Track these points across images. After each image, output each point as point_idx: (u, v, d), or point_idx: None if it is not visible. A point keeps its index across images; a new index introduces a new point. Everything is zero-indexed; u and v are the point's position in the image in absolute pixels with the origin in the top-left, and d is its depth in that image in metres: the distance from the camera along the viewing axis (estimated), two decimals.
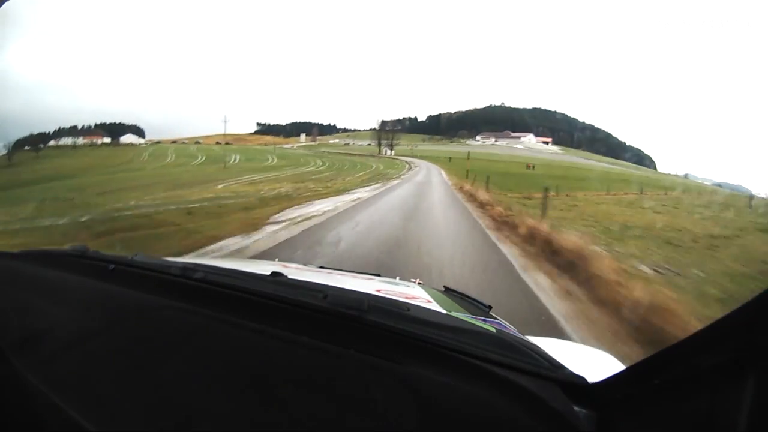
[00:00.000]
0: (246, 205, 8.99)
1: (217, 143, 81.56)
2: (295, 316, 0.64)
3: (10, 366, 0.56)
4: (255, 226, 6.30)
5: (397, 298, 0.83)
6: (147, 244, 5.02)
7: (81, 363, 0.57)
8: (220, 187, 17.50)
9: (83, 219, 7.22)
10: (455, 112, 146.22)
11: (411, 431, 0.44)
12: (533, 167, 45.64)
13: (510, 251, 5.29)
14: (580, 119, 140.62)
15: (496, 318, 1.06)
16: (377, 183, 18.45)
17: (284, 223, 6.65)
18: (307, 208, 8.68)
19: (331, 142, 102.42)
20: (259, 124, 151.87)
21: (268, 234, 5.78)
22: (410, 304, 0.76)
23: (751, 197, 18.84)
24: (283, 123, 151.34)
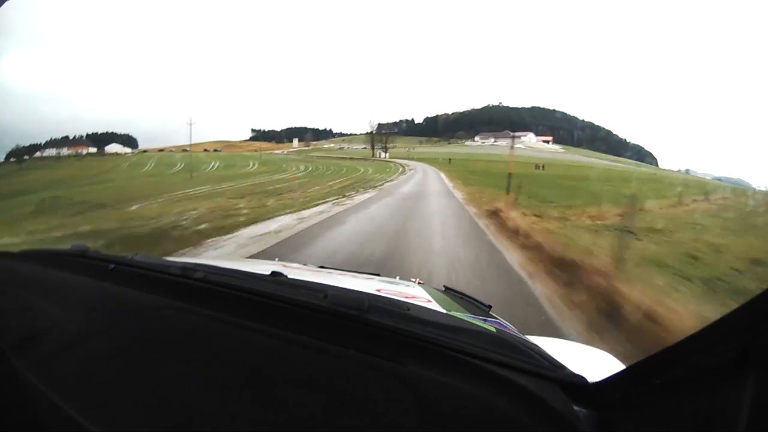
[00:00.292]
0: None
1: (205, 150, 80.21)
2: (295, 315, 0.64)
3: (10, 366, 0.56)
4: None
5: (397, 298, 0.84)
6: None
7: (81, 363, 0.57)
8: (141, 206, 12.86)
9: None
10: (452, 113, 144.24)
11: (411, 431, 0.44)
12: (543, 167, 41.63)
13: None
14: (580, 117, 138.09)
15: (496, 318, 1.06)
16: (351, 193, 13.58)
17: None
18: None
19: (326, 146, 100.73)
20: (254, 131, 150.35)
21: None
22: (410, 303, 0.76)
23: None
24: (279, 129, 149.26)
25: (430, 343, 0.57)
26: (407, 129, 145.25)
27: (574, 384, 0.54)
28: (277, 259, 1.79)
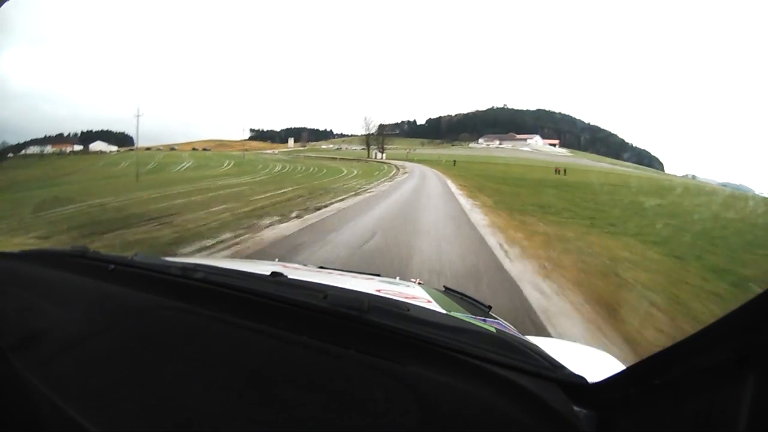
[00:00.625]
0: None
1: (194, 149, 77.54)
2: (295, 316, 0.64)
3: (10, 366, 0.56)
4: None
5: (397, 298, 0.84)
6: None
7: (81, 363, 0.57)
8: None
9: None
10: (456, 115, 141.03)
11: (411, 431, 0.44)
12: (564, 172, 35.85)
13: None
14: (585, 120, 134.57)
15: (495, 318, 1.06)
16: (293, 213, 7.89)
17: None
18: None
19: (324, 147, 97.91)
20: (252, 130, 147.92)
21: None
22: (410, 304, 0.76)
23: None
24: (278, 129, 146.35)
25: (430, 344, 0.57)
26: (409, 130, 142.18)
27: (574, 384, 0.54)
28: (277, 259, 1.83)
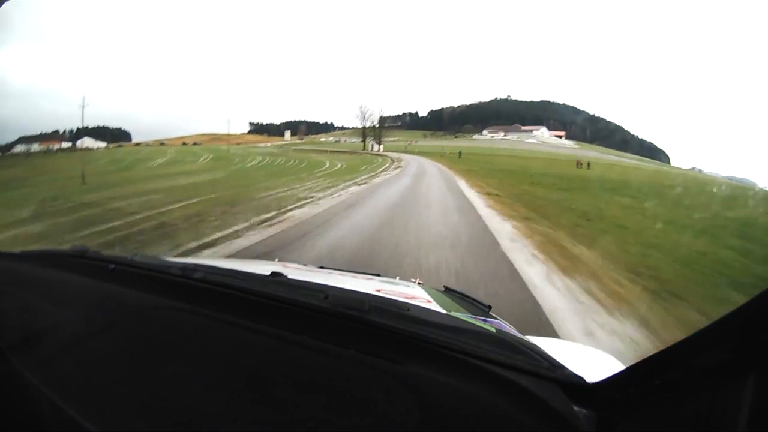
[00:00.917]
0: None
1: (184, 144, 75.51)
2: (296, 316, 0.64)
3: (10, 366, 0.56)
4: None
5: (397, 298, 0.84)
6: None
7: (81, 363, 0.57)
8: None
9: None
10: (459, 106, 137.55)
11: (411, 431, 0.44)
12: (588, 165, 31.84)
13: None
14: (591, 112, 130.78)
15: (495, 318, 1.06)
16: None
17: None
18: None
19: (322, 140, 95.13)
20: (252, 124, 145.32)
21: None
22: (410, 304, 0.77)
23: None
24: (278, 122, 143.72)
25: (431, 344, 0.57)
26: (411, 122, 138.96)
27: (573, 384, 0.54)
28: (277, 259, 1.87)
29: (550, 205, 9.17)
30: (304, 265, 1.58)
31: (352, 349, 0.56)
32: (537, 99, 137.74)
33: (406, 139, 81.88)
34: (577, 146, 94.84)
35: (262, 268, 1.05)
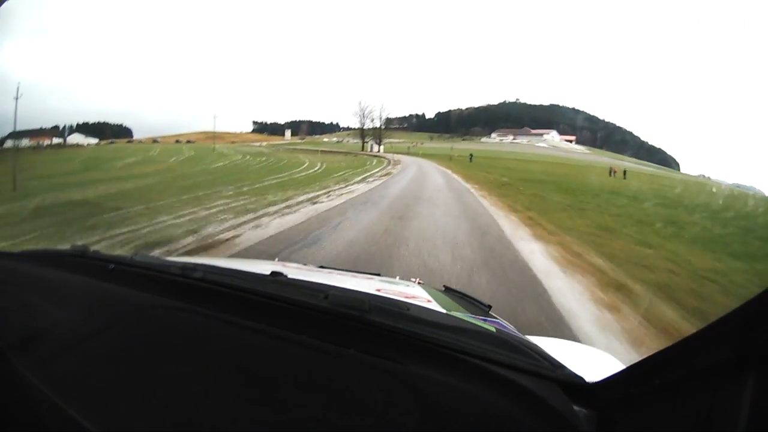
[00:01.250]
0: None
1: (177, 141, 74.14)
2: (296, 315, 0.64)
3: (10, 366, 0.56)
4: None
5: (398, 298, 0.84)
6: None
7: (81, 363, 0.57)
8: None
9: None
10: (466, 109, 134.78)
11: (411, 431, 0.44)
12: (624, 174, 27.58)
13: None
14: (600, 117, 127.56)
15: (495, 318, 1.06)
16: None
17: None
18: None
19: (325, 140, 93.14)
20: (255, 123, 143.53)
21: None
22: (410, 303, 0.77)
23: None
24: (282, 122, 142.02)
25: (431, 343, 0.57)
26: (417, 124, 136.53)
27: (574, 384, 0.54)
28: (277, 259, 1.91)
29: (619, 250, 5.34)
30: (304, 264, 1.58)
31: (353, 349, 0.56)
32: (546, 102, 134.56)
33: (411, 141, 79.30)
34: (588, 151, 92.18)
35: (262, 267, 1.05)
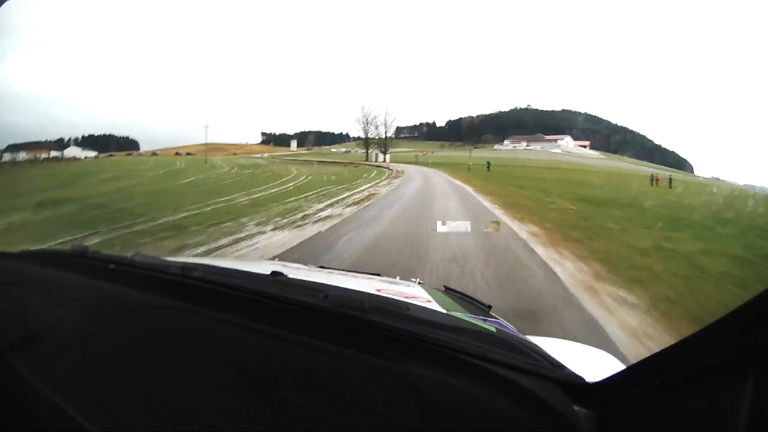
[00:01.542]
0: None
1: (177, 153, 73.93)
2: (296, 315, 0.64)
3: (10, 366, 0.56)
4: None
5: (398, 298, 0.84)
6: None
7: (81, 363, 0.58)
8: None
9: None
10: (477, 116, 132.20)
11: (411, 431, 0.44)
12: (670, 182, 24.04)
13: None
14: (613, 121, 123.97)
15: (495, 318, 1.05)
16: None
17: None
18: None
19: (333, 150, 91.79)
20: (264, 134, 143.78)
21: None
22: (410, 303, 0.77)
23: None
24: (291, 132, 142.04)
25: (431, 343, 0.57)
26: (428, 133, 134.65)
27: (573, 384, 0.54)
28: (277, 259, 1.89)
29: None
30: (304, 264, 1.57)
31: (353, 349, 0.56)
32: (557, 108, 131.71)
33: (422, 150, 77.14)
34: (603, 157, 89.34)
35: (262, 267, 1.05)
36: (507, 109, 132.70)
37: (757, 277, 4.84)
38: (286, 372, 0.53)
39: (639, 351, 2.81)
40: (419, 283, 1.40)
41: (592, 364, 0.93)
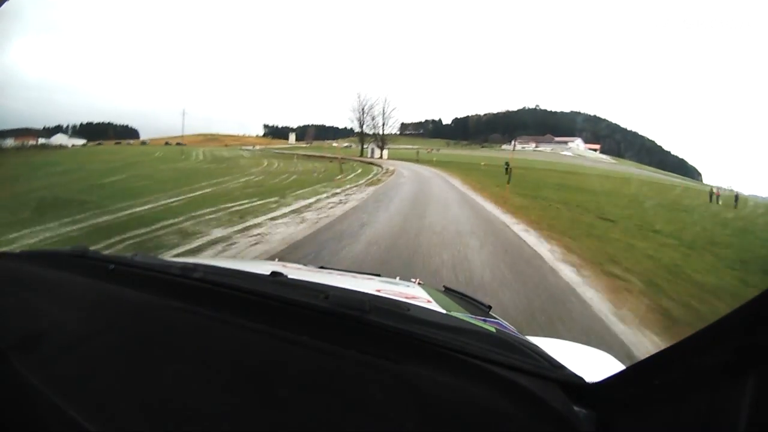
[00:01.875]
0: None
1: (166, 143, 71.50)
2: (296, 316, 0.64)
3: (10, 366, 0.56)
4: None
5: (398, 298, 0.84)
6: None
7: (81, 363, 0.57)
8: None
9: None
10: (485, 115, 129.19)
11: (411, 431, 0.45)
12: (736, 199, 20.39)
13: None
14: (622, 125, 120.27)
15: (495, 318, 1.06)
16: None
17: None
18: None
19: (334, 144, 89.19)
20: (266, 127, 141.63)
21: None
22: (410, 304, 0.77)
23: None
24: (294, 126, 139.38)
25: (431, 344, 0.57)
26: (434, 130, 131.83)
27: (573, 384, 0.54)
28: (277, 259, 1.92)
29: None
30: (304, 265, 1.57)
31: (353, 350, 0.56)
32: (566, 109, 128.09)
33: (426, 148, 74.27)
34: (614, 161, 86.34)
35: (262, 267, 1.04)
36: (515, 109, 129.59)
37: None
38: (286, 372, 0.53)
39: None
40: (419, 283, 1.40)
41: (592, 365, 0.93)
